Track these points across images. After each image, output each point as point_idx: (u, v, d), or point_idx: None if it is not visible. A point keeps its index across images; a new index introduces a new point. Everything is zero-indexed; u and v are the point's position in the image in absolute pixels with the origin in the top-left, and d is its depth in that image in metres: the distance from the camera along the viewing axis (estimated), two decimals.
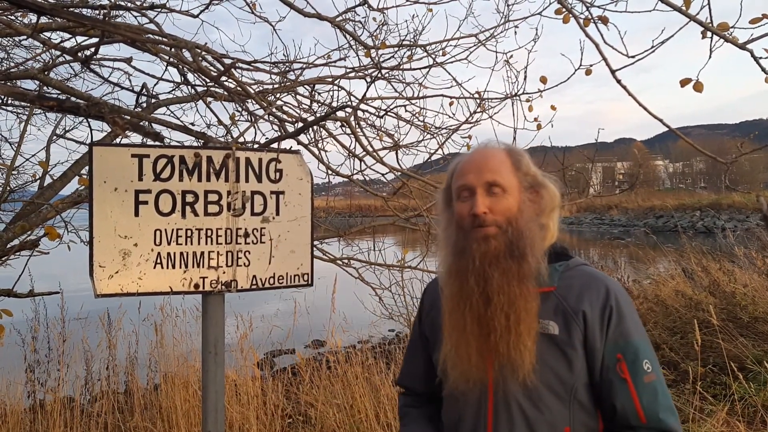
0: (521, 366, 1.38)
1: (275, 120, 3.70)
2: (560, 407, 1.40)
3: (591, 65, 3.02)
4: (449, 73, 4.36)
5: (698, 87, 2.32)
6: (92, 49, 2.06)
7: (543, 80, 3.90)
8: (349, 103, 4.24)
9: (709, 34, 2.25)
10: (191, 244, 2.30)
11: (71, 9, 2.63)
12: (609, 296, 1.42)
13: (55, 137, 4.17)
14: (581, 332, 1.40)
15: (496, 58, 4.21)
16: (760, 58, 2.14)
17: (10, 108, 4.57)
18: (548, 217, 1.51)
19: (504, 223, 1.45)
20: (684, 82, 2.35)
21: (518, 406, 1.41)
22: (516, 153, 1.56)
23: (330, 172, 3.80)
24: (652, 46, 2.37)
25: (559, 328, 1.41)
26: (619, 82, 2.19)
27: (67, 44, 3.31)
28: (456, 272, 1.50)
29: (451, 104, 4.44)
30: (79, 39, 3.27)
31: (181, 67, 3.46)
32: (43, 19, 2.40)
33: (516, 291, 1.41)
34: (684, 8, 2.17)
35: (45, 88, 3.41)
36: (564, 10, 2.83)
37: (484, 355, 1.44)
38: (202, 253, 2.32)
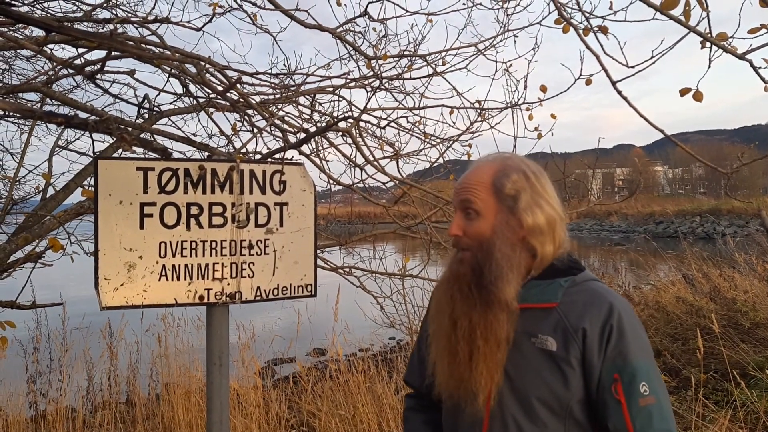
0: (477, 392, 1.41)
1: (277, 130, 3.72)
2: (556, 423, 1.39)
3: (591, 75, 3.04)
4: (449, 83, 4.38)
5: (698, 96, 2.34)
6: (98, 65, 2.08)
7: (543, 89, 3.93)
8: (350, 113, 4.27)
9: (708, 44, 2.27)
10: (196, 256, 2.31)
11: (78, 24, 2.66)
12: (611, 314, 1.38)
13: (57, 149, 4.18)
14: (579, 350, 1.37)
15: (496, 67, 4.24)
16: (760, 68, 2.16)
17: (11, 119, 4.59)
18: (538, 239, 1.44)
19: (475, 247, 1.45)
20: (684, 92, 2.37)
21: (514, 420, 1.40)
22: (502, 171, 1.48)
23: (332, 181, 3.81)
24: (652, 57, 2.39)
25: (557, 345, 1.39)
26: (620, 93, 2.21)
27: (68, 54, 3.34)
28: (440, 283, 1.58)
29: (451, 113, 4.46)
30: (81, 50, 3.29)
31: (183, 78, 3.49)
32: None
33: (477, 318, 1.41)
34: (683, 19, 2.19)
35: (48, 100, 3.43)
36: (563, 20, 2.85)
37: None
38: (207, 265, 2.33)
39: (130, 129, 2.12)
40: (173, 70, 3.12)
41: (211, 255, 2.33)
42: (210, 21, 3.02)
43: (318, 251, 4.22)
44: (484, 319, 1.41)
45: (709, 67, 2.29)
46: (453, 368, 1.47)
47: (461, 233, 1.47)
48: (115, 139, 2.61)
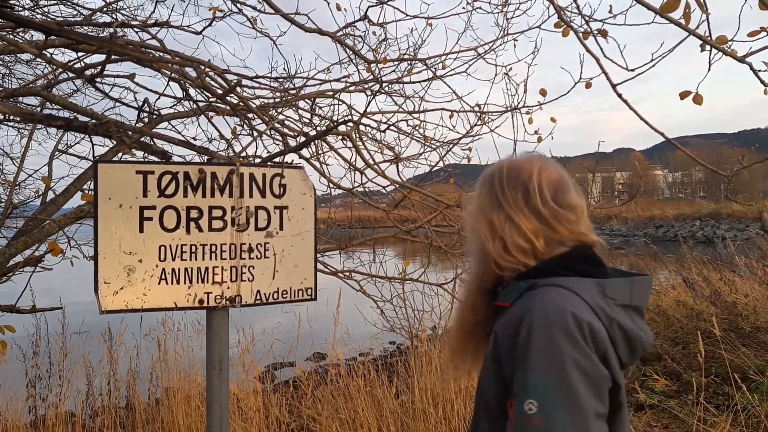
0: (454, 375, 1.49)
1: (277, 134, 3.72)
2: (486, 419, 1.40)
3: (590, 78, 3.04)
4: (449, 87, 4.39)
5: (698, 99, 2.34)
6: (98, 68, 2.08)
7: (543, 93, 3.93)
8: (350, 117, 4.27)
9: (708, 47, 2.27)
10: (196, 259, 2.31)
11: (78, 28, 2.66)
12: (522, 321, 1.30)
13: (57, 153, 4.18)
14: (493, 351, 1.36)
15: (496, 71, 4.25)
16: (759, 71, 2.16)
17: (11, 123, 4.59)
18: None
19: None
20: (683, 95, 2.37)
21: (474, 413, 1.48)
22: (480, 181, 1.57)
23: (331, 185, 3.81)
24: (652, 60, 2.39)
25: (490, 344, 1.39)
26: (620, 96, 2.21)
27: (68, 58, 3.34)
28: None
29: (451, 117, 4.47)
30: (81, 54, 3.30)
31: (183, 82, 3.49)
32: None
33: (461, 301, 1.54)
34: (683, 22, 2.19)
35: (48, 104, 3.43)
36: (563, 23, 2.85)
37: None
38: (207, 269, 2.33)
39: (129, 132, 2.12)
40: (173, 74, 3.12)
41: (210, 258, 2.33)
42: (210, 25, 3.02)
43: (318, 255, 4.22)
44: (462, 304, 1.60)
45: (709, 70, 2.29)
46: None
47: None
48: (114, 142, 2.61)
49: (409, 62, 4.40)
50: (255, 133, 3.34)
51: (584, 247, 1.46)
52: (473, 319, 1.51)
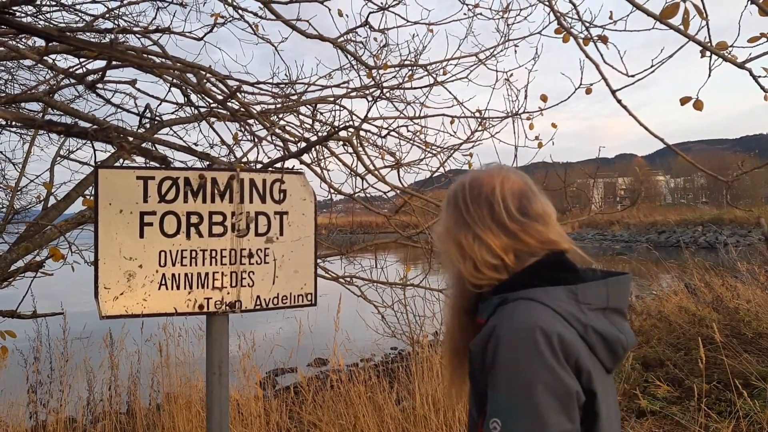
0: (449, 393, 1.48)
1: (278, 140, 3.73)
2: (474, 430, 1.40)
3: (591, 84, 3.05)
4: (450, 92, 4.40)
5: (698, 105, 2.34)
6: (99, 74, 2.09)
7: (543, 98, 3.94)
8: (351, 123, 4.27)
9: (708, 53, 2.27)
10: (196, 265, 2.31)
11: (79, 34, 2.67)
12: (490, 338, 1.29)
13: (59, 158, 4.20)
14: (469, 369, 1.37)
15: (497, 76, 4.25)
16: (759, 76, 2.16)
17: (13, 129, 4.60)
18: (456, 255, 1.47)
19: None
20: (684, 101, 2.37)
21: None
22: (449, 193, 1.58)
23: (332, 191, 3.81)
24: (652, 65, 2.39)
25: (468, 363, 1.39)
26: (619, 102, 2.21)
27: (70, 64, 3.35)
28: None
29: (452, 123, 4.47)
30: (83, 60, 3.31)
31: (184, 88, 3.50)
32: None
33: (447, 323, 1.52)
34: (683, 28, 2.19)
35: (50, 110, 3.44)
36: (563, 29, 2.86)
37: None
38: (207, 274, 2.33)
39: (130, 138, 2.13)
40: (174, 80, 3.13)
41: (210, 264, 2.33)
42: (210, 31, 3.04)
43: (319, 261, 4.21)
44: (453, 323, 1.57)
45: (709, 75, 2.30)
46: None
47: None
48: (115, 148, 2.61)
49: (410, 68, 4.41)
50: (256, 139, 3.35)
51: (555, 254, 1.43)
52: (462, 338, 1.49)
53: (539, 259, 1.41)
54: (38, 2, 4.01)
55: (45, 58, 2.52)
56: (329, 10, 3.90)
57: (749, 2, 1.88)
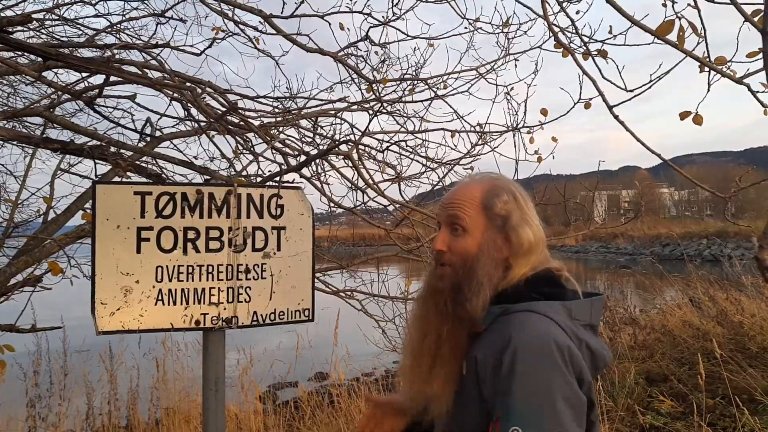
0: (435, 405, 1.43)
1: (278, 154, 3.73)
2: None
3: (590, 99, 3.05)
4: (450, 106, 4.40)
5: (698, 120, 2.33)
6: (96, 91, 2.10)
7: (544, 113, 3.94)
8: (351, 137, 4.28)
9: (706, 68, 2.27)
10: (192, 280, 2.30)
11: (80, 50, 2.69)
12: (506, 348, 1.28)
13: (59, 172, 4.21)
14: (474, 377, 1.34)
15: (497, 90, 4.26)
16: (758, 91, 2.15)
17: (15, 142, 4.62)
18: (520, 261, 1.43)
19: (458, 263, 1.44)
20: (683, 115, 2.36)
21: None
22: (493, 190, 1.47)
23: (333, 205, 3.81)
24: (650, 80, 2.39)
25: (466, 370, 1.37)
26: (616, 117, 2.21)
27: (72, 78, 3.37)
28: (417, 299, 1.60)
29: (452, 136, 4.47)
30: (84, 74, 3.33)
31: (184, 102, 3.51)
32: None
33: (446, 333, 1.42)
34: (678, 44, 2.19)
35: (50, 124, 3.45)
36: (561, 46, 2.86)
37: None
38: (203, 290, 2.32)
39: (126, 154, 2.13)
40: (174, 94, 3.14)
41: (207, 279, 2.32)
42: (210, 46, 3.05)
43: (319, 274, 4.20)
44: (452, 334, 1.42)
45: (708, 90, 2.29)
46: (414, 382, 1.50)
47: (446, 249, 1.46)
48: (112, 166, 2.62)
49: (410, 82, 4.42)
50: (255, 154, 3.36)
51: (547, 270, 1.46)
52: (449, 345, 1.45)
53: (536, 272, 1.44)
54: (41, 17, 4.04)
55: (43, 74, 2.54)
56: (329, 24, 3.92)
57: (744, 21, 1.88)
